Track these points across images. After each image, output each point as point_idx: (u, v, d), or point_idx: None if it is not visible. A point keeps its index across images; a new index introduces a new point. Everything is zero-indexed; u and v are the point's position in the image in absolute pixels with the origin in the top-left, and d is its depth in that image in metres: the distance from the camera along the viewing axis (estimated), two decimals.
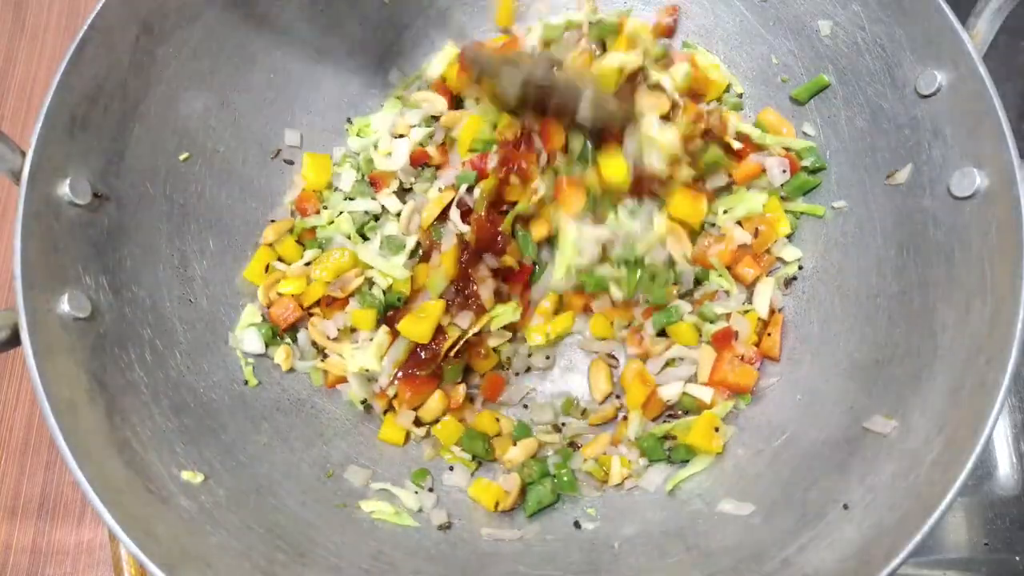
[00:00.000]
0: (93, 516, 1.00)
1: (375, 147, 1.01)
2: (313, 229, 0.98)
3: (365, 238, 0.98)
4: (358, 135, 1.04)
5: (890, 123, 0.84)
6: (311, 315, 0.95)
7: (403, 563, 0.83)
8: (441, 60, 1.03)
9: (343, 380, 0.93)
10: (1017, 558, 0.95)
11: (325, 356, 0.94)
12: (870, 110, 0.86)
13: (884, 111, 0.85)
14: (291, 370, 0.94)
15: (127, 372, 0.77)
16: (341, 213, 0.99)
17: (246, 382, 0.90)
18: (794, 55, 0.94)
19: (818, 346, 0.90)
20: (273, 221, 0.98)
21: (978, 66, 0.73)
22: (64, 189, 0.74)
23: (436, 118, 1.02)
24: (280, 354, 0.93)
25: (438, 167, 1.01)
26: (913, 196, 0.82)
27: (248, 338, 0.92)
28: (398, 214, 0.98)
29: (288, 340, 0.95)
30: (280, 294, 0.94)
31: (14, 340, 0.68)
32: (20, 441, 1.03)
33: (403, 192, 1.01)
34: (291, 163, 1.01)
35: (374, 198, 1.00)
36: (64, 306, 0.72)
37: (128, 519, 0.64)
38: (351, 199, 1.00)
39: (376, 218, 1.00)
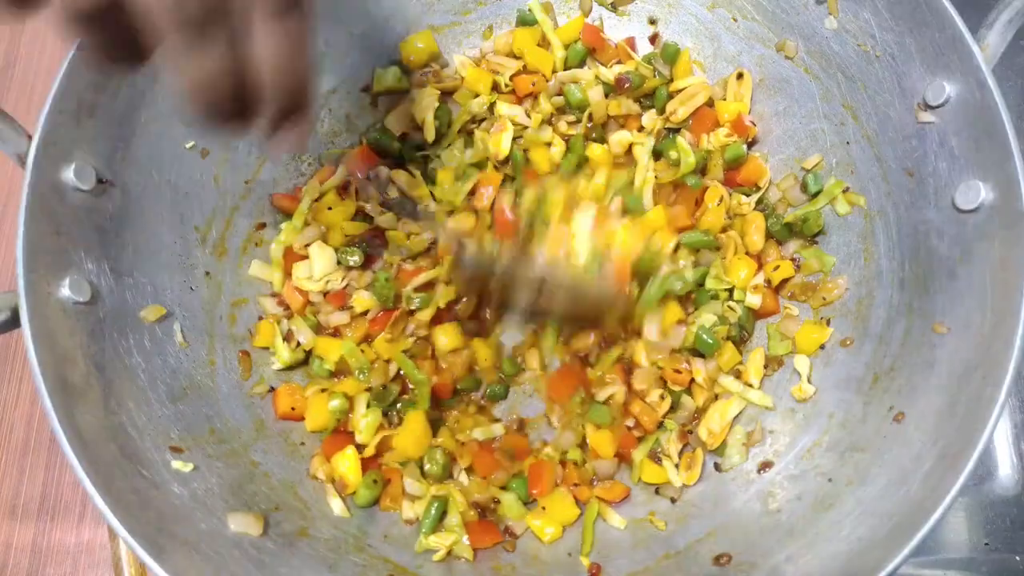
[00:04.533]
0: (93, 516, 0.99)
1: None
2: None
3: None
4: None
5: (896, 133, 0.83)
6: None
7: (397, 557, 0.83)
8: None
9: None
10: (1017, 558, 0.94)
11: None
12: (877, 119, 0.86)
13: (891, 120, 0.84)
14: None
15: (126, 357, 0.77)
16: None
17: (242, 373, 0.90)
18: (803, 62, 0.93)
19: (814, 356, 0.90)
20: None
21: (987, 79, 0.72)
22: (69, 174, 0.74)
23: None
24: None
25: None
26: (917, 208, 0.82)
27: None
28: None
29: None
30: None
31: (14, 322, 0.69)
32: (20, 441, 1.03)
33: None
34: (301, 154, 1.01)
35: None
36: (65, 290, 0.73)
37: (119, 502, 0.65)
38: None
39: None
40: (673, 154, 0.96)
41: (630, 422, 0.90)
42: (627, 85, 0.99)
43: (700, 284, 0.95)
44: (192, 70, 0.49)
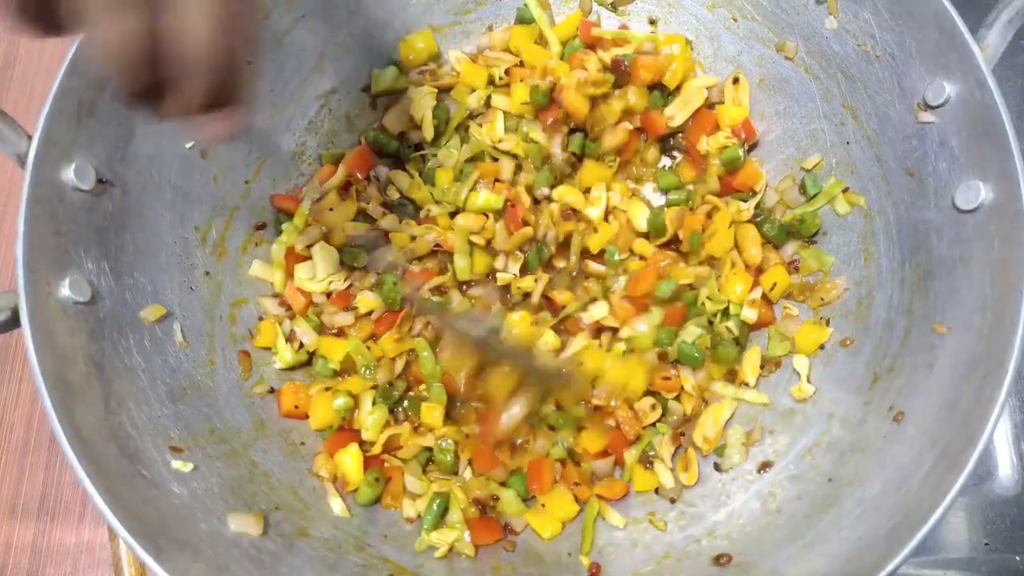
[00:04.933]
0: (93, 516, 0.99)
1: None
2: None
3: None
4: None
5: (896, 133, 0.83)
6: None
7: (397, 556, 0.83)
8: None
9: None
10: (1017, 558, 0.94)
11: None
12: (877, 119, 0.86)
13: (891, 120, 0.84)
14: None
15: (125, 357, 0.77)
16: None
17: (242, 373, 0.90)
18: (803, 62, 0.93)
19: (813, 355, 0.90)
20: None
21: (987, 79, 0.72)
22: (69, 174, 0.74)
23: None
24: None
25: None
26: (917, 208, 0.81)
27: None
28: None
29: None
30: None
31: (14, 322, 0.69)
32: (20, 441, 1.03)
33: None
34: (301, 154, 1.01)
35: None
36: (65, 290, 0.73)
37: (119, 503, 0.65)
38: None
39: None
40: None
41: (611, 422, 0.90)
42: (623, 67, 0.98)
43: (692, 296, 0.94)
44: (108, 32, 0.44)
